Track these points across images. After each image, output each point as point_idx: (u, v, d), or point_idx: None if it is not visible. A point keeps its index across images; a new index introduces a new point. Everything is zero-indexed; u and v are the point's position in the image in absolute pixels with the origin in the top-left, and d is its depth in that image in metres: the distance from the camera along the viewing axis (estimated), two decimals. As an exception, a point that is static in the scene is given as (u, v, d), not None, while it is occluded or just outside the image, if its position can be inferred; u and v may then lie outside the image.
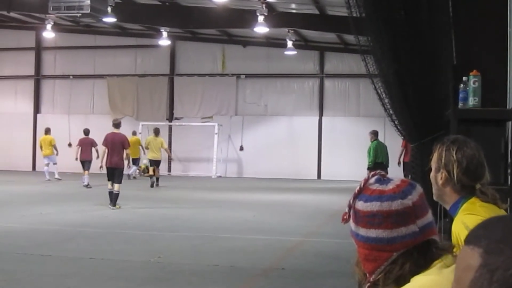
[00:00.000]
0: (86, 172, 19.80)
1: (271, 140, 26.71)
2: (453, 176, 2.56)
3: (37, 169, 28.06)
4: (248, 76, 27.48)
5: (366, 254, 1.57)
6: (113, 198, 14.25)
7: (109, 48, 28.56)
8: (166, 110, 28.42)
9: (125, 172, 15.52)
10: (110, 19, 19.99)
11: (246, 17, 20.72)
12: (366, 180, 1.61)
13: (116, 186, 14.29)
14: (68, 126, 28.03)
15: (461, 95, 5.23)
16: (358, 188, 1.60)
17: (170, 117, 28.37)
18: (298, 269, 8.11)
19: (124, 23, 24.60)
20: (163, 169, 23.57)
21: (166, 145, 22.31)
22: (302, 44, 25.63)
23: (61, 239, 10.20)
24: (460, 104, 5.23)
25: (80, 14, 17.15)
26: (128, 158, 15.24)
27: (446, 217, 3.75)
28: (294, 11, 21.86)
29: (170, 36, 25.76)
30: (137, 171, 24.03)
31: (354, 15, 5.99)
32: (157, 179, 20.90)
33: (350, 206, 1.60)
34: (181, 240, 10.29)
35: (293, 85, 27.36)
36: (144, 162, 23.43)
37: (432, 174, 2.67)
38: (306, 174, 26.10)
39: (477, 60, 5.43)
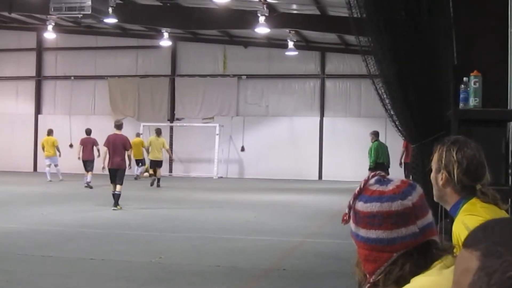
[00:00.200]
0: (90, 173, 19.78)
1: (272, 140, 26.67)
2: (454, 176, 2.56)
3: (38, 170, 28.06)
4: (249, 76, 27.46)
5: (366, 254, 1.57)
6: (115, 198, 14.27)
7: (110, 49, 28.55)
8: (167, 110, 28.39)
9: (131, 173, 15.51)
10: (111, 20, 19.98)
11: (247, 18, 20.72)
12: (366, 181, 1.61)
13: (117, 186, 14.32)
14: (69, 127, 28.00)
15: (461, 96, 5.23)
16: (358, 189, 1.60)
17: (171, 118, 28.33)
18: (298, 269, 8.11)
19: (125, 23, 24.58)
20: (164, 169, 23.54)
21: (167, 146, 22.30)
22: (303, 44, 25.62)
23: (61, 239, 10.21)
24: (461, 105, 5.22)
25: (81, 15, 17.13)
26: (130, 160, 15.25)
27: (447, 218, 3.74)
28: (295, 11, 21.85)
29: (171, 36, 25.74)
30: (146, 173, 23.60)
31: (355, 15, 5.99)
32: (159, 180, 20.85)
33: (350, 207, 1.61)
34: (182, 240, 10.29)
35: (294, 85, 27.34)
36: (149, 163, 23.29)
37: (432, 175, 2.67)
38: (307, 174, 26.07)
39: (478, 61, 5.43)
